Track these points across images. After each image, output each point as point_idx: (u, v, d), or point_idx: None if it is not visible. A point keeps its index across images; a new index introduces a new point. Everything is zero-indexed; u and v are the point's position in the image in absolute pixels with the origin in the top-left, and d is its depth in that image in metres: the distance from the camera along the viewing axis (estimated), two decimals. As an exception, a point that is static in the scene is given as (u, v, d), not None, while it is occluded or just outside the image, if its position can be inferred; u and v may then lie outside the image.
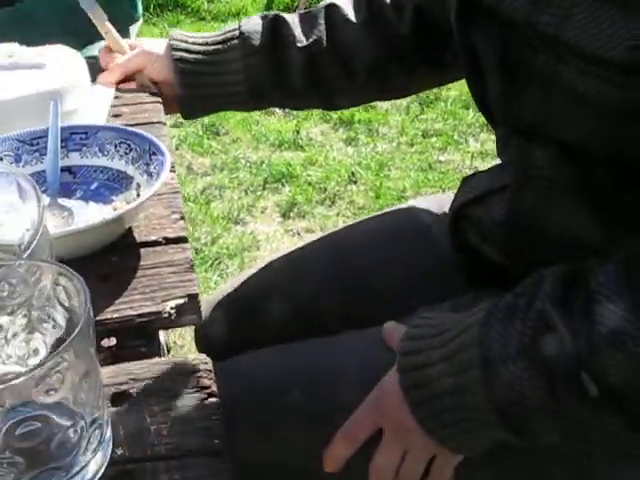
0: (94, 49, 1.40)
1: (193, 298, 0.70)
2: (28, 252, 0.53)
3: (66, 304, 0.51)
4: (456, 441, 0.67)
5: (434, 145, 2.76)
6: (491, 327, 0.63)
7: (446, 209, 0.94)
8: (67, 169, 0.86)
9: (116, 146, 0.85)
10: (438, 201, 1.01)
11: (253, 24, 1.04)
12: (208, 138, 2.85)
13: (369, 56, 1.01)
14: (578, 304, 0.59)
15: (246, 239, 2.30)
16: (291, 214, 2.42)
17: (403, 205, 1.07)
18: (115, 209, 0.81)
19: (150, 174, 0.80)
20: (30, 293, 0.52)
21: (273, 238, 2.31)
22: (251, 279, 1.02)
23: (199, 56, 1.02)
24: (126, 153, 0.84)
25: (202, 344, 1.03)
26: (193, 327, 1.07)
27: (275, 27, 1.03)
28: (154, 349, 0.68)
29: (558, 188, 0.71)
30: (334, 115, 2.94)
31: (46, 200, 0.81)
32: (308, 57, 1.02)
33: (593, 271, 0.61)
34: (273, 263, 1.03)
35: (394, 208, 1.08)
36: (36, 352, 0.53)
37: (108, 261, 0.74)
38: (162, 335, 1.55)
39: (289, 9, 3.96)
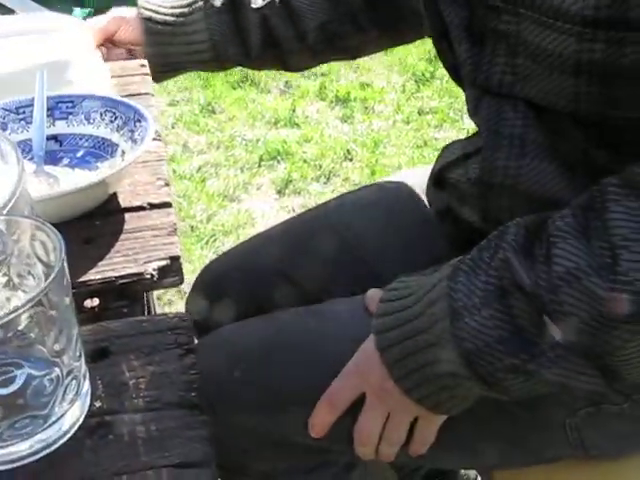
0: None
1: (175, 260, 0.71)
2: (7, 210, 0.53)
3: (44, 259, 0.51)
4: (432, 399, 0.68)
5: (429, 122, 2.76)
6: (457, 280, 0.64)
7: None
8: (53, 137, 0.86)
9: (102, 114, 0.86)
10: (425, 172, 1.02)
11: None
12: (204, 116, 2.85)
13: (320, 16, 1.05)
14: (540, 252, 0.60)
15: (242, 216, 2.31)
16: (287, 191, 2.42)
17: (392, 178, 1.08)
18: (100, 175, 0.82)
19: (135, 141, 0.81)
20: (10, 251, 0.53)
21: (269, 215, 2.31)
22: (246, 255, 1.03)
23: (166, 17, 1.07)
24: (111, 121, 0.85)
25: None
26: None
27: None
28: (136, 311, 0.69)
29: (530, 148, 0.71)
30: (330, 93, 2.94)
31: (32, 167, 0.82)
32: (262, 18, 1.06)
33: (553, 218, 0.62)
34: (268, 240, 1.04)
35: (384, 179, 1.09)
36: (17, 310, 0.53)
37: (92, 225, 0.75)
38: (158, 309, 1.56)
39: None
